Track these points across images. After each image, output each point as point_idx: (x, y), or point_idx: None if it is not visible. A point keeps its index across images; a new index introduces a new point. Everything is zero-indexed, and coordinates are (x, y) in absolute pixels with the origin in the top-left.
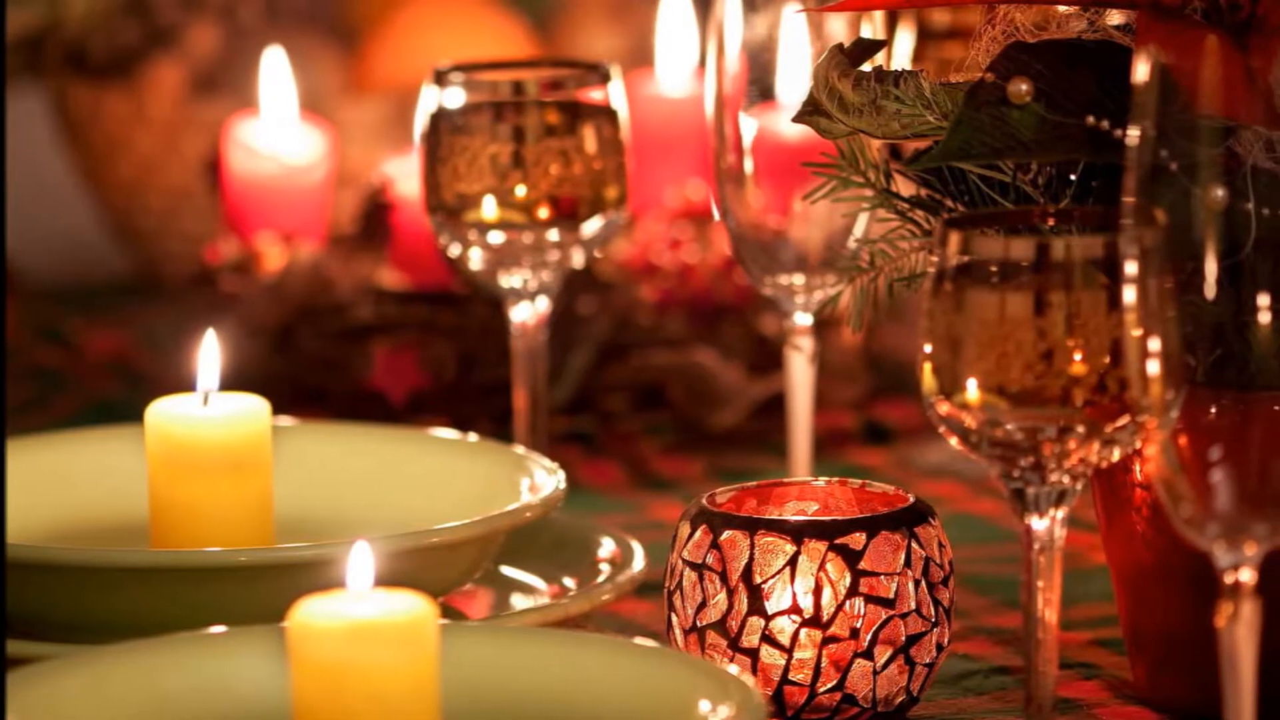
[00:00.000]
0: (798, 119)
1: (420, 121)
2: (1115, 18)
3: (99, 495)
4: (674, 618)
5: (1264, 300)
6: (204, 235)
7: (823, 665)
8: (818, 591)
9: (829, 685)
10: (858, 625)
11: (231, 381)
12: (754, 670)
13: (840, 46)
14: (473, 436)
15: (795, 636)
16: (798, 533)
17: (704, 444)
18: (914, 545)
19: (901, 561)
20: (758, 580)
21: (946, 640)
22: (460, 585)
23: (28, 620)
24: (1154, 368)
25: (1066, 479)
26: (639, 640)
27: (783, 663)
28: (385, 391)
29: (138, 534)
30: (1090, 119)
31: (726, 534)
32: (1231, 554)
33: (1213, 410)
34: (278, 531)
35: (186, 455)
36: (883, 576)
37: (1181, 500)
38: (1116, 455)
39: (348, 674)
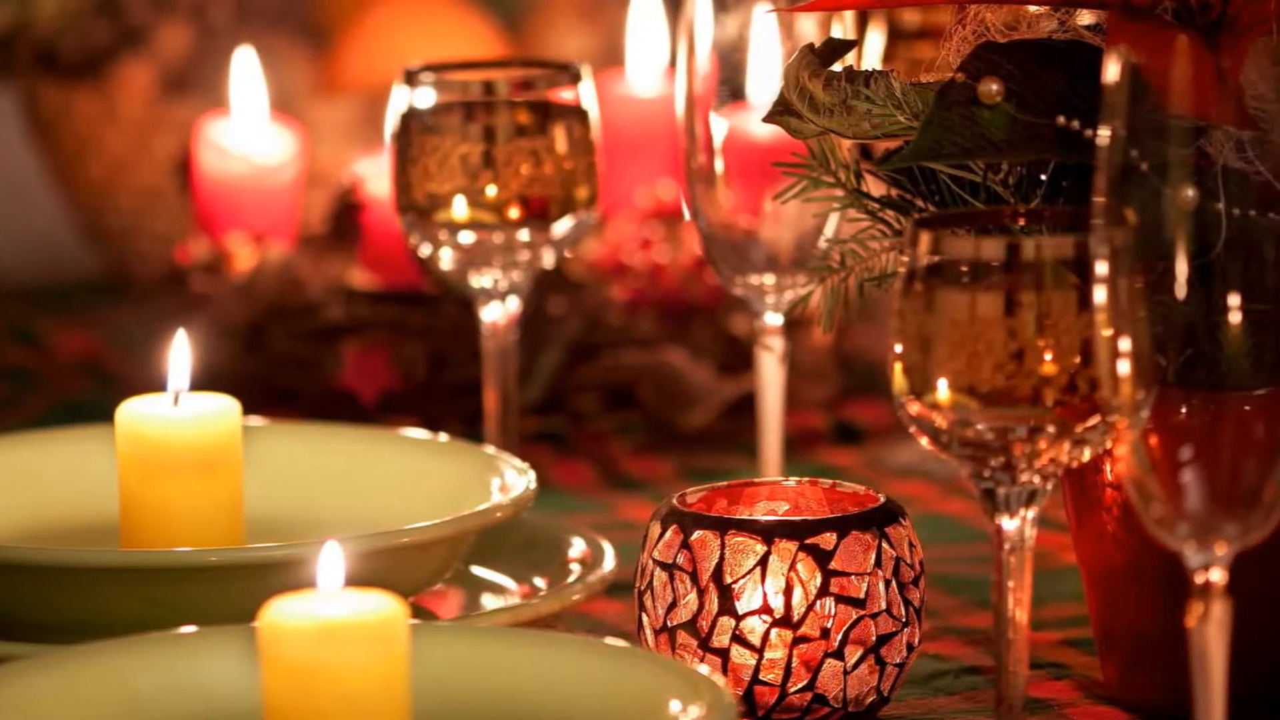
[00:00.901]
0: (768, 119)
1: (391, 121)
2: (1086, 18)
3: (70, 495)
4: (644, 618)
5: (1234, 300)
6: (174, 235)
7: (793, 665)
8: (788, 591)
9: (800, 685)
10: (828, 625)
11: (202, 381)
12: (724, 670)
13: (811, 46)
14: (443, 436)
15: (766, 636)
16: (768, 533)
17: (674, 444)
18: (884, 545)
19: (872, 561)
20: (728, 580)
21: (917, 640)
22: (431, 585)
23: None
24: (1124, 368)
25: (1037, 479)
26: (609, 640)
27: (753, 663)
28: (356, 391)
29: (108, 534)
30: (1061, 119)
31: (697, 534)
32: (1202, 554)
33: (1183, 410)
34: (248, 531)
35: (157, 455)
36: (853, 576)
37: (1152, 500)
38: (1087, 455)
39: (318, 674)
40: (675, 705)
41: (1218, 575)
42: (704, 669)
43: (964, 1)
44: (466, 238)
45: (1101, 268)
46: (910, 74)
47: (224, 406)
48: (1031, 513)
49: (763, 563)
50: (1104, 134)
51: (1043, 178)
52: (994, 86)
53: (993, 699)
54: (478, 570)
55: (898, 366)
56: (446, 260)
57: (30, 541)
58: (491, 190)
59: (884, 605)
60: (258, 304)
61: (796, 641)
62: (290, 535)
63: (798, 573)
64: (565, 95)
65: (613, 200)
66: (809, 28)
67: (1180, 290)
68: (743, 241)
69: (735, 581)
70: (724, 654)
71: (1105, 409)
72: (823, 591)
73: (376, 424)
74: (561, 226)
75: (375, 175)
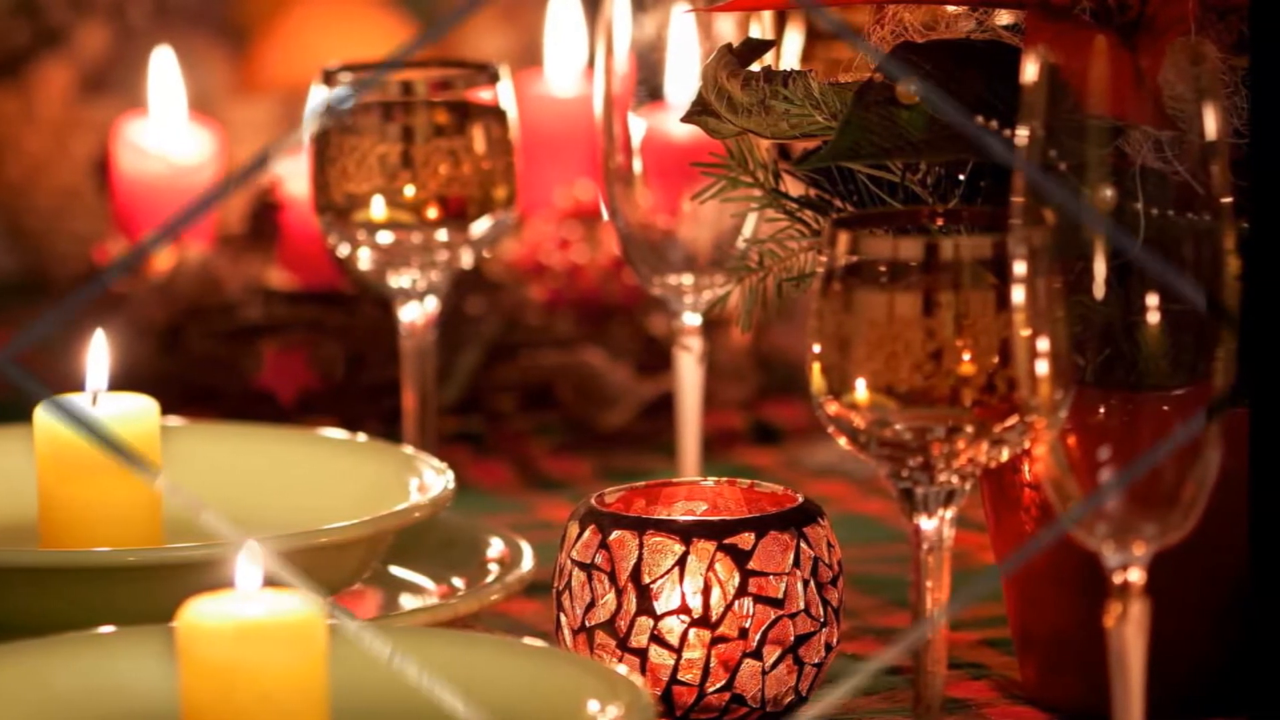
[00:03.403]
0: (686, 119)
1: (309, 121)
2: (1004, 18)
3: None
4: (563, 618)
5: (1152, 300)
6: (93, 235)
7: (711, 665)
8: (706, 591)
9: (718, 685)
10: (746, 625)
11: (120, 381)
12: (643, 670)
13: (729, 46)
14: (361, 436)
15: (684, 636)
16: (686, 533)
17: (593, 444)
18: (803, 545)
19: (790, 561)
20: (646, 580)
21: (835, 640)
22: (349, 585)
23: None
24: (1043, 368)
25: (955, 479)
26: (528, 640)
27: (671, 663)
28: (274, 391)
29: (27, 534)
30: (979, 119)
31: (615, 534)
32: (1120, 554)
33: (1102, 410)
34: (166, 531)
35: (75, 455)
36: (771, 576)
37: (1070, 500)
38: (1005, 455)
39: (237, 674)
40: (594, 705)
41: (1136, 575)
42: (622, 669)
43: (882, 1)
44: (385, 238)
45: (1020, 268)
46: (829, 74)
47: (142, 406)
48: (950, 513)
49: (681, 563)
50: (1022, 134)
51: (961, 178)
52: (912, 86)
53: (911, 699)
54: (396, 570)
55: (816, 366)
56: (365, 260)
57: None
58: (410, 190)
59: (802, 605)
60: (176, 304)
61: (715, 641)
62: (209, 535)
63: (716, 573)
64: (483, 95)
65: (531, 200)
66: (727, 28)
67: (1098, 290)
68: (661, 241)
69: (653, 581)
70: (642, 654)
71: (1023, 409)
72: (741, 591)
73: (295, 424)
74: (480, 226)
75: (293, 175)
